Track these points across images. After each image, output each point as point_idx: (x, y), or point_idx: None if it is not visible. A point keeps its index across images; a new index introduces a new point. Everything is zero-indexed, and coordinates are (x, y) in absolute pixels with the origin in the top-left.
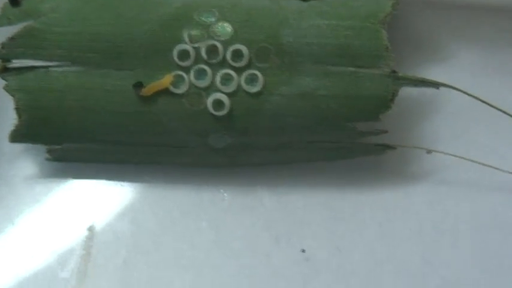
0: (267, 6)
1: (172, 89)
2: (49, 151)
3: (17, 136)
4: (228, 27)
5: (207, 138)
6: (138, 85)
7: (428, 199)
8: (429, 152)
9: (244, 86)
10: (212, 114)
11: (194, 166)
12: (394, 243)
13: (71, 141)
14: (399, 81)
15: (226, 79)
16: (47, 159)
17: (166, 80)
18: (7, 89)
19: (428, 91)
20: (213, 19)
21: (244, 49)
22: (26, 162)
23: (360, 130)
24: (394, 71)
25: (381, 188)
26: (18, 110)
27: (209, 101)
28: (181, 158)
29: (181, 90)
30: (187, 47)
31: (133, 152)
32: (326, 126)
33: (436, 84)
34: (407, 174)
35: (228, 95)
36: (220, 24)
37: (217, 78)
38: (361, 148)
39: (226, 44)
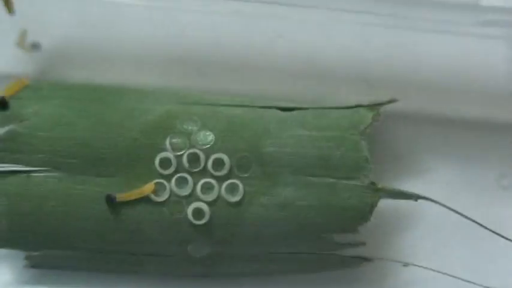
0: (248, 115)
1: (153, 197)
2: (28, 257)
3: None
4: (209, 136)
5: (186, 248)
6: (110, 198)
7: None
8: (406, 265)
9: (225, 195)
10: (192, 223)
11: (172, 275)
12: None
13: (50, 248)
14: (378, 193)
15: (207, 188)
16: (25, 267)
17: (148, 188)
18: None
19: (407, 203)
20: (195, 127)
21: (225, 158)
22: (2, 268)
23: (337, 241)
24: (373, 183)
25: None
26: None
27: (189, 210)
28: (160, 267)
29: (162, 198)
30: (169, 155)
31: (112, 260)
32: (304, 236)
33: (414, 197)
34: (384, 287)
35: (208, 203)
36: (202, 132)
37: (198, 187)
38: (338, 260)
39: (207, 152)
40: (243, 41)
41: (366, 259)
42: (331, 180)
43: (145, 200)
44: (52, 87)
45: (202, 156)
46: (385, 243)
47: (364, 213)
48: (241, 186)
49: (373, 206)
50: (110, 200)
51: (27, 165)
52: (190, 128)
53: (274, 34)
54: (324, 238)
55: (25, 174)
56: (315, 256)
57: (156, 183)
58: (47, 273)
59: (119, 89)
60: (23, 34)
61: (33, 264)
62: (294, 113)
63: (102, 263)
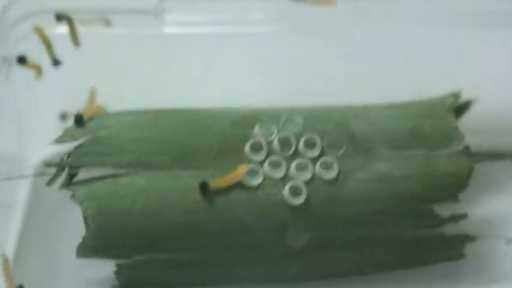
0: (331, 106)
1: (246, 181)
2: (118, 269)
3: (85, 249)
4: (298, 120)
5: (283, 235)
6: (204, 185)
7: None
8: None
9: (320, 173)
10: (289, 205)
11: (268, 280)
12: None
13: (140, 252)
14: (474, 157)
15: (301, 167)
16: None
17: (240, 173)
18: (74, 198)
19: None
20: (282, 116)
21: (316, 138)
22: None
23: (438, 215)
24: (467, 148)
25: None
26: (85, 219)
27: (285, 190)
28: (255, 268)
29: (255, 182)
30: (260, 140)
31: (205, 264)
32: (405, 210)
33: None
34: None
35: (305, 183)
36: (290, 118)
37: (292, 168)
38: (441, 241)
39: (297, 136)
40: None
41: (469, 237)
42: (425, 151)
43: (239, 186)
44: (128, 111)
45: (293, 139)
46: (485, 218)
47: (463, 178)
48: (335, 163)
49: (470, 171)
50: (204, 188)
51: (113, 167)
52: (277, 116)
53: None
54: (425, 211)
55: (112, 178)
56: (418, 237)
57: (249, 169)
58: None
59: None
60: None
61: (123, 281)
62: (377, 104)
63: (195, 271)
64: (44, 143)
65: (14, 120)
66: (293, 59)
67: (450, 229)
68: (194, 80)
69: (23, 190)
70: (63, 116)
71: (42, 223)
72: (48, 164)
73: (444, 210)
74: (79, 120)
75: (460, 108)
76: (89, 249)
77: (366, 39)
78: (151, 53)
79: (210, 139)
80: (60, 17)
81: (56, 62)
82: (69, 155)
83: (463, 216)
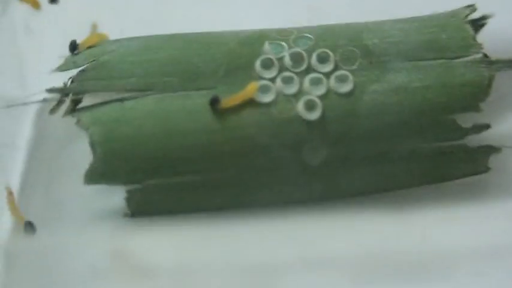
0: (342, 23)
1: (258, 98)
2: (128, 194)
3: (93, 175)
4: (309, 35)
5: (300, 153)
6: (215, 100)
7: None
8: None
9: (335, 87)
10: (304, 120)
11: (287, 202)
12: None
13: (151, 176)
14: (494, 65)
15: (315, 82)
16: (125, 216)
17: (251, 89)
18: (79, 124)
19: None
20: (293, 32)
21: (329, 52)
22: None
23: (461, 126)
24: (486, 55)
25: None
26: (93, 144)
27: (300, 105)
28: (271, 189)
29: (268, 98)
30: (271, 56)
31: (218, 187)
32: (425, 121)
33: None
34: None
35: (319, 97)
36: (301, 35)
37: (306, 82)
38: (464, 153)
39: (309, 51)
40: None
41: (494, 149)
42: (442, 60)
43: (250, 103)
44: (132, 37)
45: (305, 54)
46: (509, 128)
47: (483, 87)
48: (350, 76)
49: (491, 79)
50: (214, 104)
51: (119, 91)
52: (287, 34)
53: None
54: (446, 121)
55: (118, 102)
56: (439, 150)
57: (260, 86)
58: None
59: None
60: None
61: (134, 208)
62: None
63: (208, 195)
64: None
65: (14, 60)
66: None
67: (473, 141)
68: (200, 10)
69: (26, 125)
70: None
71: (47, 158)
72: (50, 90)
73: (466, 121)
74: (73, 47)
75: (477, 23)
76: (97, 175)
77: None
78: None
79: (218, 58)
80: None
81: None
82: (72, 80)
83: (486, 127)
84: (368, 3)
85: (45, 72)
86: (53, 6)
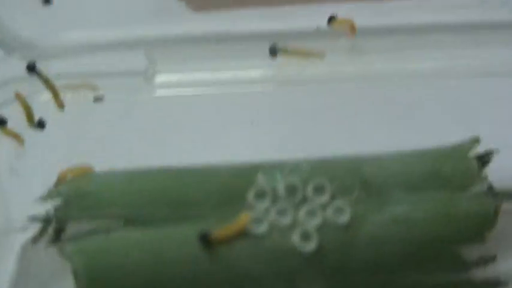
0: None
1: (251, 229)
2: None
3: None
4: (305, 166)
5: (295, 285)
6: (205, 236)
7: None
8: None
9: (331, 218)
10: (300, 252)
11: None
12: None
13: None
14: (499, 197)
15: (310, 213)
16: None
17: (243, 220)
18: (62, 253)
19: None
20: (287, 164)
21: (325, 183)
22: None
23: (465, 258)
24: (491, 187)
25: None
26: (76, 274)
27: (295, 236)
28: None
29: (261, 229)
30: (264, 186)
31: None
32: (427, 253)
33: None
34: None
35: (315, 228)
36: (295, 166)
37: (301, 214)
38: (468, 287)
39: (305, 181)
40: None
41: (500, 283)
42: (445, 192)
43: (242, 235)
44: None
45: (300, 185)
46: None
47: (488, 218)
48: (347, 207)
49: (497, 209)
50: (204, 239)
51: (104, 220)
52: (282, 165)
53: None
54: (450, 253)
55: (104, 233)
56: (443, 283)
57: (253, 217)
58: None
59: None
60: None
61: None
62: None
63: None
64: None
65: None
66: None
67: (479, 274)
68: (189, 145)
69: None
70: None
71: None
72: (32, 218)
73: (471, 253)
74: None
75: (482, 159)
76: None
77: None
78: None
79: (209, 189)
80: (31, 68)
81: (40, 125)
82: (55, 208)
83: (492, 259)
84: (367, 139)
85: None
86: (37, 141)
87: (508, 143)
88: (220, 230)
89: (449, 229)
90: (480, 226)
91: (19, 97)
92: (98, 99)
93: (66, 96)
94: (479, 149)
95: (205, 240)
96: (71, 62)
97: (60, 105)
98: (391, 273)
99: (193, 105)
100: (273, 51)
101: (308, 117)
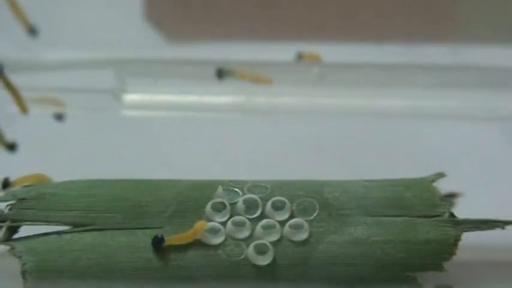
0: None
1: (205, 239)
2: None
3: None
4: (265, 185)
5: None
6: (158, 240)
7: None
8: None
9: (289, 234)
10: (254, 265)
11: None
12: None
13: None
14: (460, 226)
15: (268, 228)
16: None
17: (198, 228)
18: (12, 252)
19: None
20: (248, 182)
21: (285, 201)
22: None
23: (421, 285)
24: (452, 215)
25: None
26: (23, 274)
27: (250, 249)
28: None
29: (216, 240)
30: (223, 200)
31: None
32: (383, 276)
33: (501, 224)
34: None
35: (272, 243)
36: (256, 184)
37: (258, 228)
38: None
39: (265, 199)
40: None
41: None
42: (406, 218)
43: (197, 244)
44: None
45: (259, 201)
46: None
47: (448, 246)
48: (306, 224)
49: (456, 239)
50: (157, 244)
51: (59, 223)
52: (243, 183)
53: None
54: (406, 278)
55: (56, 234)
56: None
57: (209, 227)
58: None
59: None
60: None
61: None
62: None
63: None
64: None
65: None
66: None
67: None
68: (151, 166)
69: None
70: None
71: None
72: None
73: (428, 280)
74: (5, 184)
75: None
76: None
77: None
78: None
79: (166, 200)
80: None
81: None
82: (10, 207)
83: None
84: (330, 167)
85: None
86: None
87: (473, 188)
88: (174, 236)
89: (406, 254)
90: (438, 254)
91: None
92: (58, 116)
93: (32, 111)
94: (444, 191)
95: (158, 245)
96: (39, 76)
97: (24, 109)
98: None
99: (159, 127)
100: (220, 74)
101: (276, 145)
